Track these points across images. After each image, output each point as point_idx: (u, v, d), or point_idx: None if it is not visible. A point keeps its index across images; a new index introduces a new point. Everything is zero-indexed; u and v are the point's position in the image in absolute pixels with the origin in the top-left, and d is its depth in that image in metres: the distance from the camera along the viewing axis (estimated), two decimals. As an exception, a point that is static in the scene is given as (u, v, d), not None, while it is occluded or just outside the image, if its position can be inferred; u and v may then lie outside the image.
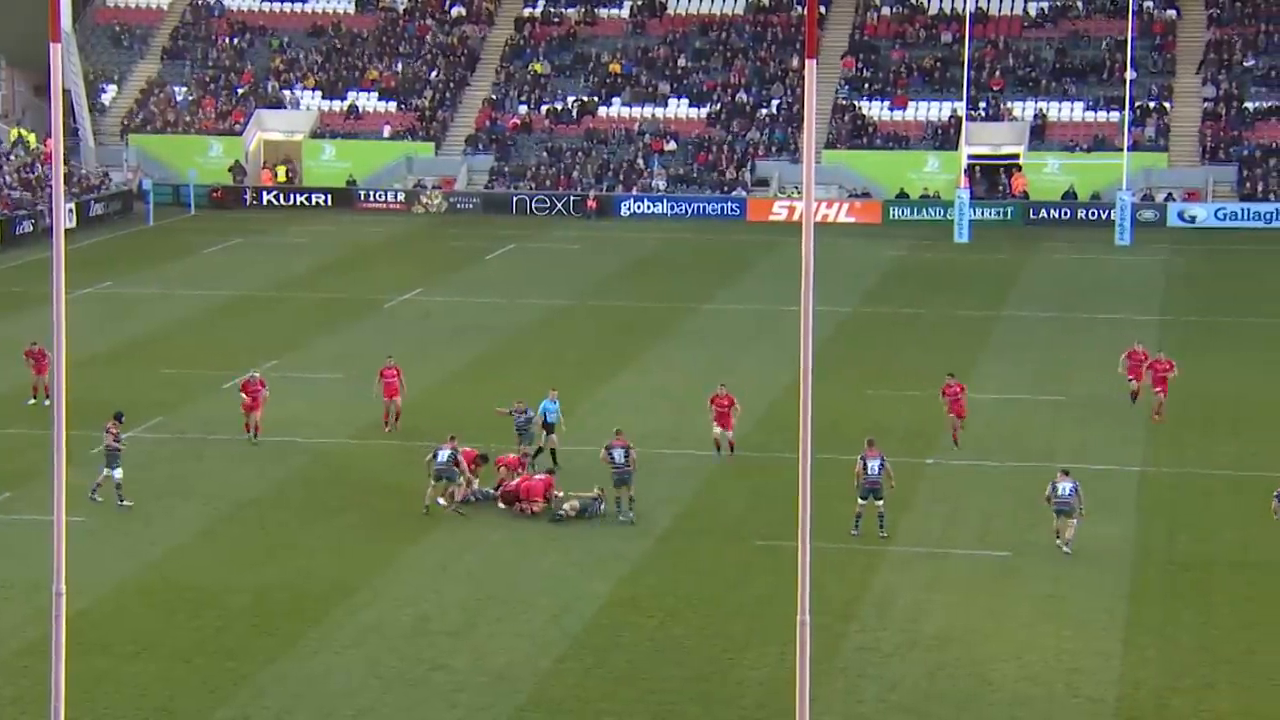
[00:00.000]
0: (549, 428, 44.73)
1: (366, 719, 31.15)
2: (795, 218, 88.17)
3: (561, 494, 41.37)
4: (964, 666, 33.65)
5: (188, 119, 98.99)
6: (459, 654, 33.91)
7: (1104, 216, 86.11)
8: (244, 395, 47.54)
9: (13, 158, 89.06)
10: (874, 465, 40.17)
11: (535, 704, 31.76)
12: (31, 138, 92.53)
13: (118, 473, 41.73)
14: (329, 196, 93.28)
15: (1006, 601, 36.88)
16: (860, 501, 40.16)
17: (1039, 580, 38.01)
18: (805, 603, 14.50)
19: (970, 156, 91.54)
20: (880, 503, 40.07)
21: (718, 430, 45.43)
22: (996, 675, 33.24)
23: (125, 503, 41.71)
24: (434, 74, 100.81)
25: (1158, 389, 50.28)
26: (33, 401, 50.94)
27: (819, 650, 30.00)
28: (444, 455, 41.06)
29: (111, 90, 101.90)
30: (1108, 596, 36.92)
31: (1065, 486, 39.23)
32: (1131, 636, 34.85)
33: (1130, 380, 51.53)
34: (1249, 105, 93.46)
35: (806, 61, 16.28)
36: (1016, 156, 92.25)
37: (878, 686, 32.76)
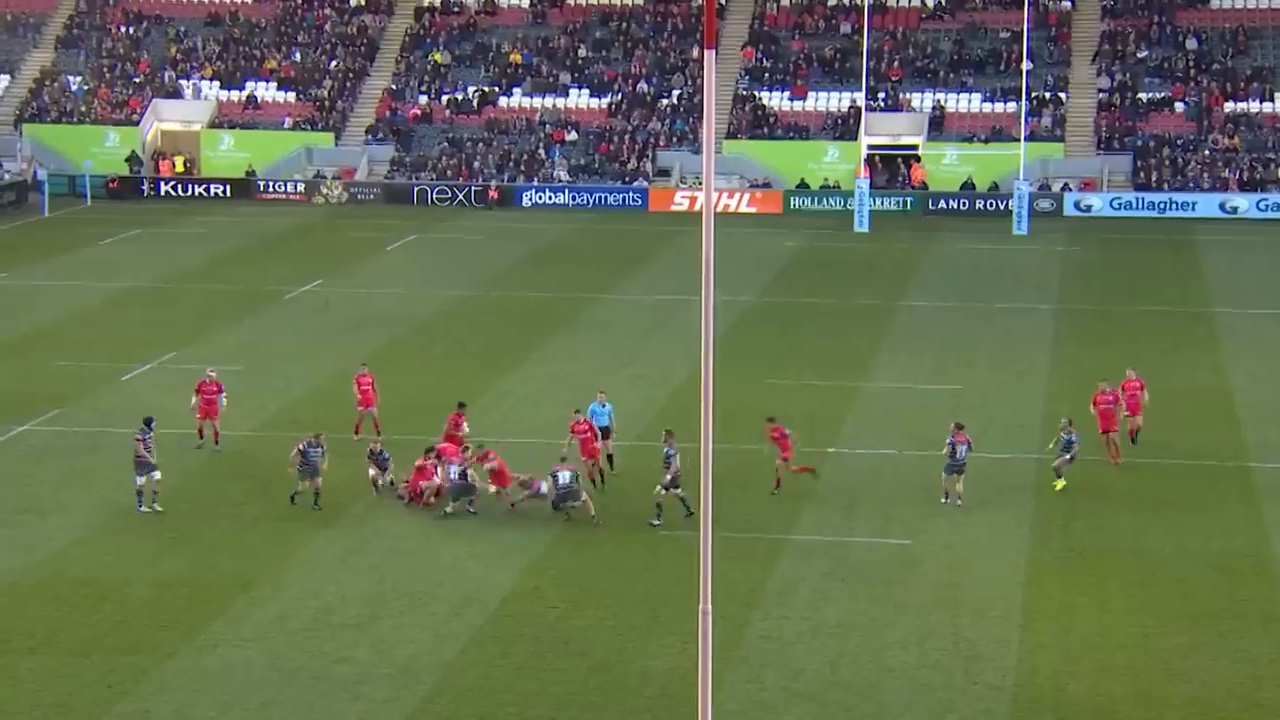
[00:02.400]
0: (603, 431, 43.29)
1: (269, 712, 31.02)
2: (696, 208, 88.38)
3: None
4: (865, 654, 33.88)
5: (83, 109, 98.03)
6: (361, 646, 33.81)
7: (1002, 206, 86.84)
8: (197, 397, 46.23)
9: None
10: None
11: (439, 695, 31.72)
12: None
13: (156, 474, 40.89)
14: (228, 187, 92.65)
15: (906, 590, 37.15)
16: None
17: (938, 568, 38.32)
18: (707, 592, 14.58)
19: (870, 147, 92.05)
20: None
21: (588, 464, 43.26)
22: (897, 662, 33.49)
23: (157, 507, 40.90)
24: (333, 64, 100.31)
25: (1133, 414, 46.65)
26: None
27: (721, 639, 30.14)
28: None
29: (4, 79, 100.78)
30: (1005, 584, 37.26)
31: (963, 449, 41.35)
32: (1029, 623, 35.19)
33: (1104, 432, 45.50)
34: (1143, 96, 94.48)
35: (706, 52, 16.35)
36: (915, 147, 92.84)
37: (780, 674, 32.94)
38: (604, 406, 43.79)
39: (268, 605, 35.66)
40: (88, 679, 32.37)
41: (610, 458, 43.62)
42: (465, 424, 43.49)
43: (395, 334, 60.93)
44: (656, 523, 40.03)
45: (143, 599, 36.21)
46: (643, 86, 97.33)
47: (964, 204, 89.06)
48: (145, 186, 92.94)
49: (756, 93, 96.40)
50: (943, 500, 41.44)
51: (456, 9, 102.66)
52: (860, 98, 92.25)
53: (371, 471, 42.19)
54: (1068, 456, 42.29)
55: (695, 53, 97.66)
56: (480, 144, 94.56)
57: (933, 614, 35.81)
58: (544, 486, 40.77)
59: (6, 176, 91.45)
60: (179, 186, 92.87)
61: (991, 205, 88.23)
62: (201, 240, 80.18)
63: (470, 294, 68.08)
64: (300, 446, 41.25)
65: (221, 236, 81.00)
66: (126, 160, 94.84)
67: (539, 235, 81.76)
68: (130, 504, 41.36)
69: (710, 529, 14.84)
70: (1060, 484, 42.38)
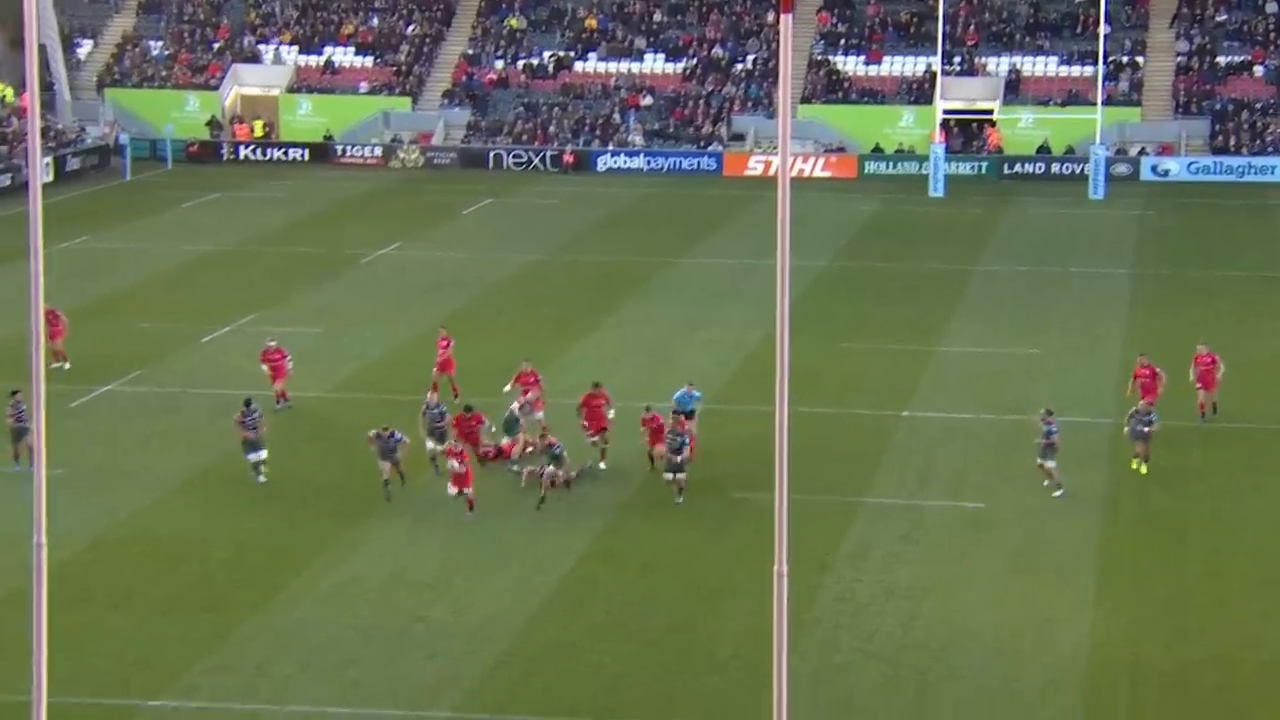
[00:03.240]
0: (689, 415, 41.89)
1: (347, 670, 31.22)
2: (771, 172, 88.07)
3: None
4: (939, 616, 33.80)
5: (164, 74, 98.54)
6: (437, 606, 33.98)
7: (1078, 171, 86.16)
8: (264, 366, 46.47)
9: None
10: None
11: (515, 654, 31.84)
12: (8, 92, 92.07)
13: (263, 453, 40.63)
14: (306, 151, 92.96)
15: (981, 553, 37.03)
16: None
17: (1013, 532, 38.17)
18: (782, 554, 14.55)
19: (945, 111, 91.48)
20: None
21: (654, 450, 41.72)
22: (972, 625, 33.40)
23: (261, 479, 40.71)
24: (410, 29, 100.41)
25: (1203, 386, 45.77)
26: (55, 366, 49.78)
27: (795, 601, 30.15)
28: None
29: (87, 45, 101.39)
30: (1080, 548, 37.08)
31: (1054, 432, 40.21)
32: (1104, 587, 35.01)
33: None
34: (1221, 60, 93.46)
35: (781, 16, 16.25)
36: (991, 111, 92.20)
37: (853, 636, 32.92)
38: (692, 395, 42.78)
39: (344, 566, 35.86)
40: (169, 636, 32.67)
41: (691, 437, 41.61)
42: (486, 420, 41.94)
43: (470, 298, 61.06)
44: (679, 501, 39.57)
45: (222, 558, 36.50)
46: (718, 51, 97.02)
47: (1039, 168, 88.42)
48: (224, 151, 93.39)
49: (831, 57, 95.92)
50: (1045, 484, 40.29)
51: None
52: (936, 62, 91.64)
53: (429, 445, 41.22)
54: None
55: (770, 17, 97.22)
56: (556, 109, 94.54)
57: (1007, 578, 35.68)
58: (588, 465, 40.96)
59: (89, 140, 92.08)
60: (258, 151, 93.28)
61: (1067, 170, 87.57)
62: (280, 204, 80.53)
63: (545, 258, 68.13)
64: (372, 435, 39.97)
65: (299, 200, 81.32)
66: (206, 125, 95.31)
67: (614, 200, 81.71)
68: (208, 464, 41.68)
69: (786, 492, 14.81)
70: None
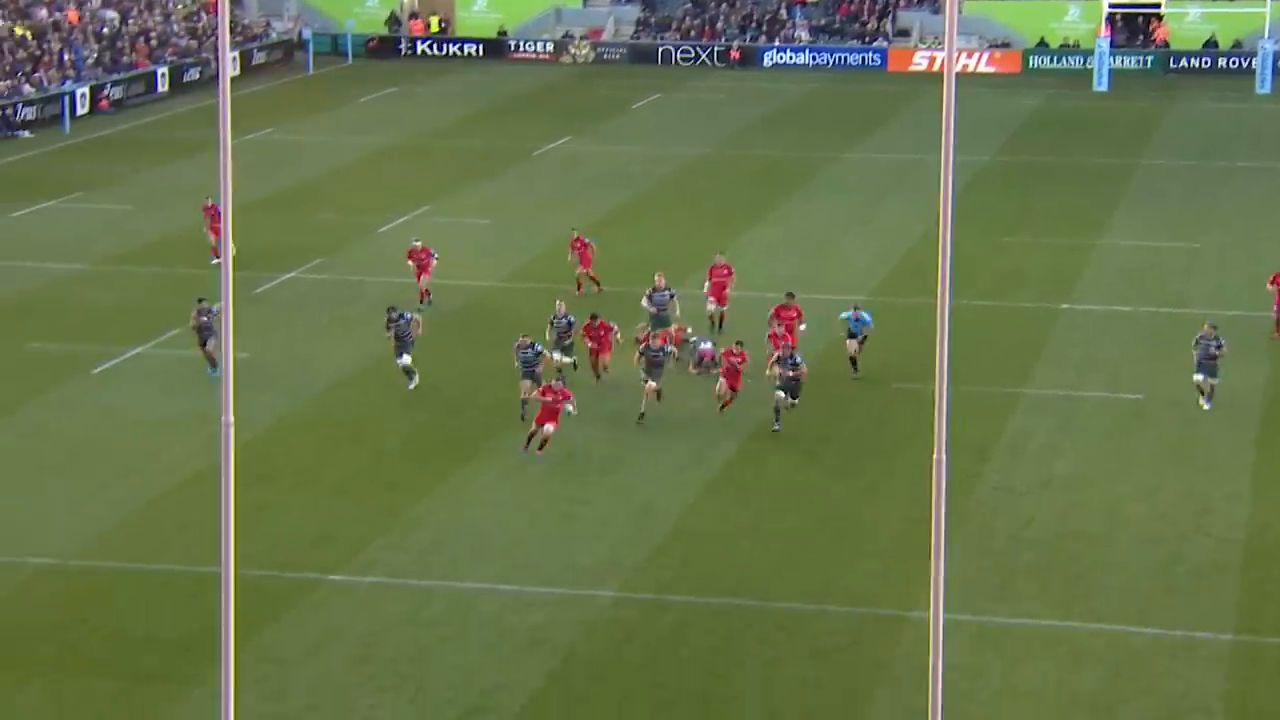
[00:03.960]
0: (855, 335, 40.16)
1: (516, 549, 31.67)
2: (936, 68, 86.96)
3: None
4: (1095, 505, 33.61)
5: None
6: (603, 490, 34.30)
7: (1245, 65, 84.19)
8: (410, 263, 46.46)
9: (180, 7, 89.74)
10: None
11: (678, 537, 32.10)
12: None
13: (406, 358, 39.69)
14: (480, 47, 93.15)
15: (1137, 443, 36.69)
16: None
17: (1170, 424, 37.75)
18: (941, 441, 14.53)
19: (1111, 5, 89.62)
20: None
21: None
22: (1128, 514, 33.18)
23: (412, 385, 39.86)
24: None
25: None
26: (216, 262, 50.57)
27: (953, 489, 30.09)
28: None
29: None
30: (1237, 440, 36.60)
31: (1213, 345, 37.85)
32: (1260, 478, 34.56)
33: None
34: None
35: (949, -89, 16.03)
36: (1158, 5, 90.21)
37: (1010, 524, 32.83)
38: (861, 318, 40.07)
39: (512, 452, 36.24)
40: (347, 514, 33.30)
41: (854, 360, 40.23)
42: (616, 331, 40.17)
43: (637, 191, 61.08)
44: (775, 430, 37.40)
45: (397, 441, 37.05)
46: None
47: (1206, 62, 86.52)
48: (402, 46, 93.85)
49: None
50: (1200, 398, 38.36)
51: None
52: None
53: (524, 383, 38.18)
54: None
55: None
56: (723, 5, 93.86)
57: (1164, 468, 35.35)
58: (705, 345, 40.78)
59: (274, 35, 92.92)
60: (433, 46, 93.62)
61: (1234, 64, 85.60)
62: (453, 98, 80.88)
63: (710, 152, 67.93)
64: (515, 346, 38.29)
65: (473, 95, 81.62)
66: (385, 21, 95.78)
67: (779, 95, 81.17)
68: (383, 352, 42.21)
69: (946, 382, 14.78)
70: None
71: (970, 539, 31.80)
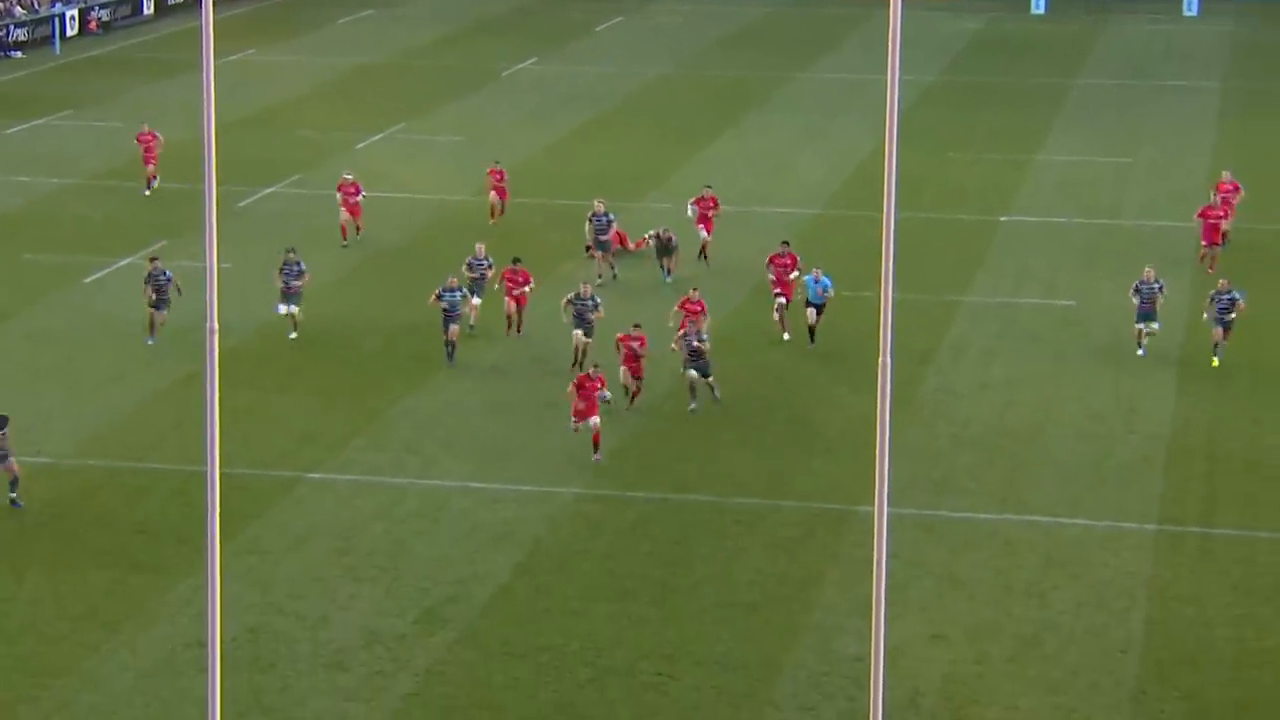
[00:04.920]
0: (818, 309, 36.45)
1: (486, 449, 31.70)
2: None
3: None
4: (1030, 406, 33.80)
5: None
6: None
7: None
8: (339, 194, 43.71)
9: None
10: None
11: (643, 436, 32.15)
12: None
13: (294, 307, 37.30)
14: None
15: (1070, 348, 36.85)
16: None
17: (1101, 329, 37.90)
18: (887, 346, 14.57)
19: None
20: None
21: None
22: (1060, 414, 33.40)
23: (292, 335, 37.30)
24: None
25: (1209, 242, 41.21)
26: (148, 194, 48.49)
27: (898, 391, 30.20)
28: None
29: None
30: (1164, 342, 36.75)
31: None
32: (1184, 381, 34.74)
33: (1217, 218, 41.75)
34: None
35: None
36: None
37: (951, 424, 33.00)
38: (819, 281, 36.46)
39: (487, 352, 36.20)
40: (328, 416, 33.26)
41: (812, 330, 36.57)
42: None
43: (601, 110, 60.77)
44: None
45: (376, 347, 36.97)
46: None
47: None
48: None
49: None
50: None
51: None
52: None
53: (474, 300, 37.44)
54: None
55: None
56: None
57: (1094, 371, 35.52)
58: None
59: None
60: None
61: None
62: (427, 20, 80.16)
63: (671, 73, 67.56)
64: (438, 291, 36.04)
65: (445, 17, 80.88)
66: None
67: (736, 18, 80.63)
68: (361, 261, 42.00)
69: (892, 290, 14.80)
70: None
71: (913, 438, 31.96)
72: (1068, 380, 35.04)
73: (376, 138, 55.60)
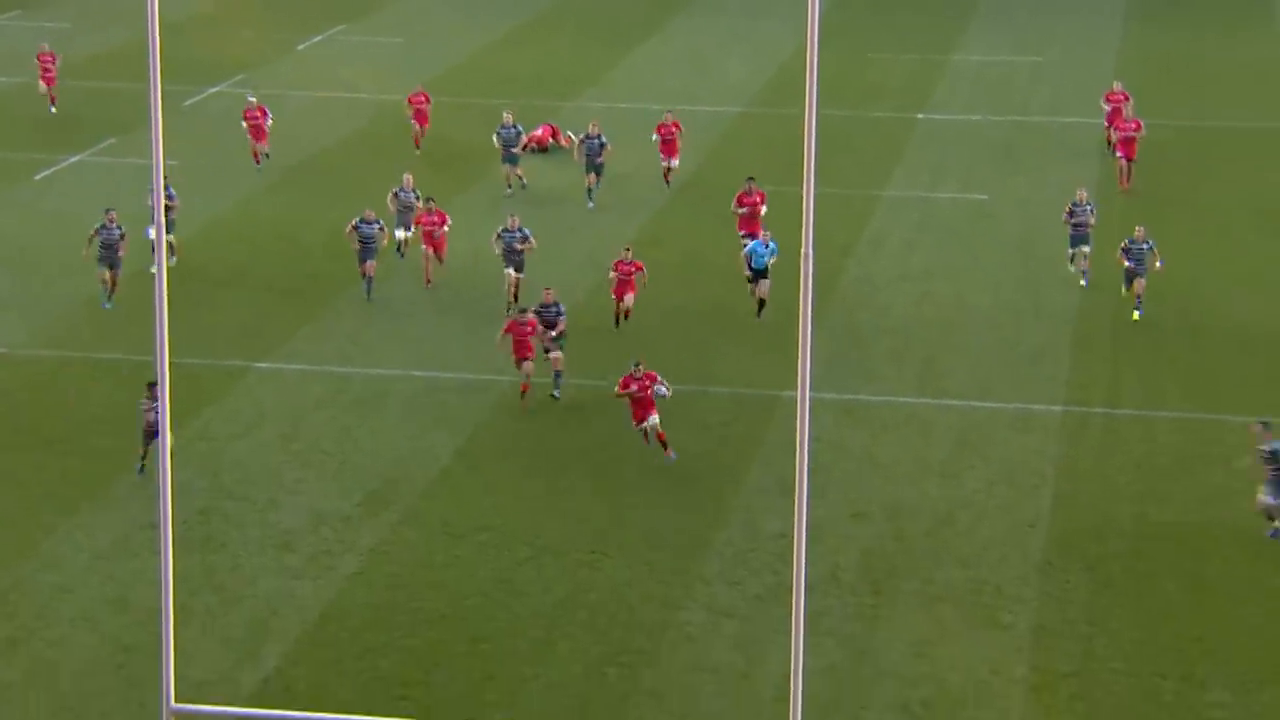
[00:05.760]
0: (758, 273, 32.38)
1: (426, 340, 31.63)
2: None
3: None
4: (946, 296, 33.96)
5: None
6: (503, 289, 34.07)
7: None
8: (245, 124, 41.13)
9: None
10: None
11: (574, 329, 32.10)
12: None
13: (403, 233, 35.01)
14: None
15: (984, 240, 36.98)
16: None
17: (1013, 221, 38.06)
18: (809, 239, 14.55)
19: None
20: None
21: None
22: (974, 303, 33.57)
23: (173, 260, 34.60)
24: None
25: (1121, 153, 39.89)
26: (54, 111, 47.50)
27: (820, 282, 30.29)
28: None
29: None
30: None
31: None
32: (1094, 269, 34.92)
33: (1108, 129, 41.26)
34: None
35: None
36: None
37: (871, 313, 33.12)
38: (768, 246, 32.31)
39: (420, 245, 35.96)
40: (274, 309, 33.04)
41: (762, 303, 32.50)
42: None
43: (537, 11, 60.12)
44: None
45: (318, 241, 36.68)
46: None
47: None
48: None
49: None
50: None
51: None
52: None
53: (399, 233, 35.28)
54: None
55: None
56: None
57: (1006, 261, 35.69)
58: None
59: None
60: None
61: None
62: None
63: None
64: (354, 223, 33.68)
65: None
66: None
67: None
68: (305, 158, 41.48)
69: (813, 185, 14.76)
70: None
71: (835, 327, 32.06)
72: (981, 271, 35.19)
73: (317, 39, 54.87)
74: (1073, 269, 34.10)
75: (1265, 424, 24.82)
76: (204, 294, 33.41)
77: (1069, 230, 34.01)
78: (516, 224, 32.99)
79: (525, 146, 40.37)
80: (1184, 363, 30.37)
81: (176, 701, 15.48)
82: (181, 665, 17.80)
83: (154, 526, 23.37)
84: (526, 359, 28.87)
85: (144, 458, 25.99)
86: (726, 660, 20.97)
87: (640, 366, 26.99)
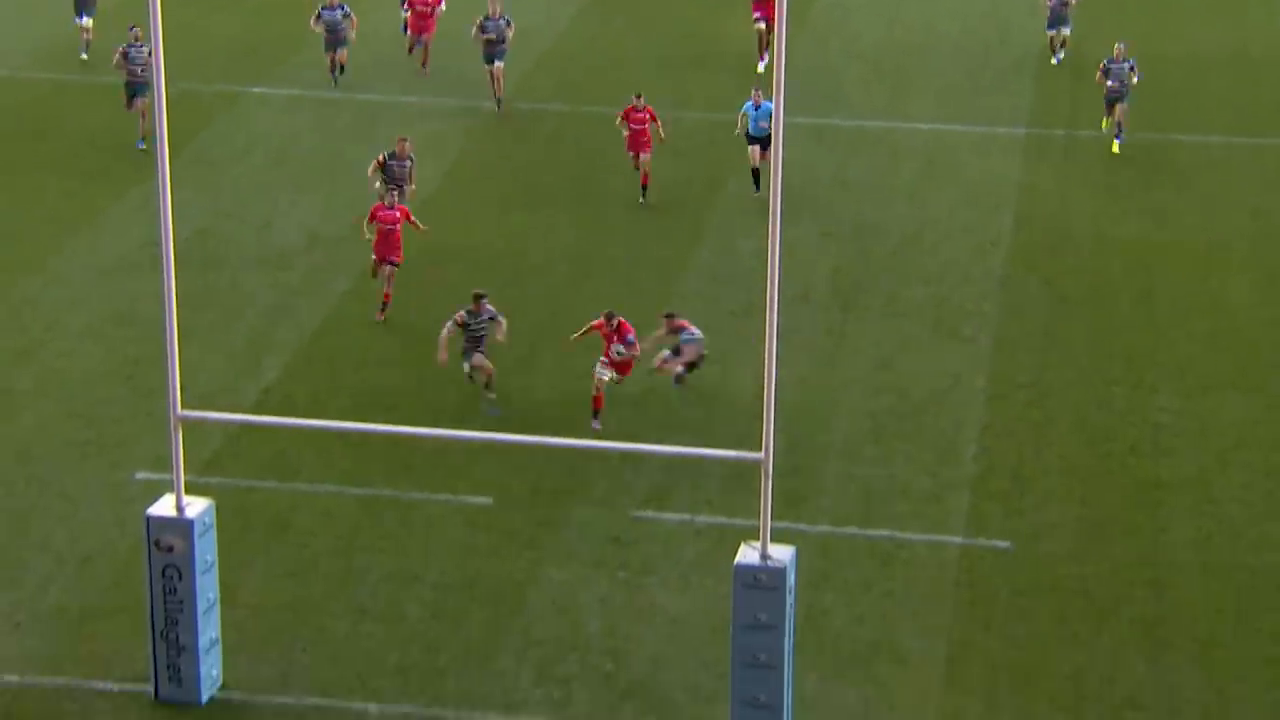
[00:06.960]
0: (761, 141, 26.02)
1: (411, 69, 31.09)
2: None
3: None
4: (915, 22, 33.57)
5: None
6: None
7: None
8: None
9: None
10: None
11: (550, 56, 31.60)
12: None
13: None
14: None
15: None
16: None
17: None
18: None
19: None
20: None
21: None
22: (942, 29, 33.24)
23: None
24: None
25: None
26: None
27: (793, 8, 29.77)
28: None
29: None
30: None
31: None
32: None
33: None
34: None
35: None
36: None
37: (841, 40, 32.69)
38: (759, 107, 26.06)
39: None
40: (267, 33, 32.33)
41: (756, 173, 26.46)
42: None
43: None
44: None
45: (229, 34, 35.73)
46: None
47: None
48: None
49: None
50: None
51: None
52: None
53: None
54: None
55: None
56: None
57: (974, -10, 35.12)
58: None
59: None
60: None
61: None
62: None
63: None
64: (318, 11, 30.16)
65: None
66: None
67: None
68: None
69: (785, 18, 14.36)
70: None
71: (808, 53, 31.63)
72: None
73: None
74: (1053, 57, 31.70)
75: None
76: (196, 18, 32.73)
77: (1047, 13, 31.84)
78: (499, 11, 29.25)
79: None
80: (1141, 86, 30.01)
81: (183, 409, 15.58)
82: (187, 378, 17.85)
83: (154, 244, 23.25)
84: (388, 261, 22.62)
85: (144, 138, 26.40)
86: (705, 371, 21.12)
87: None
